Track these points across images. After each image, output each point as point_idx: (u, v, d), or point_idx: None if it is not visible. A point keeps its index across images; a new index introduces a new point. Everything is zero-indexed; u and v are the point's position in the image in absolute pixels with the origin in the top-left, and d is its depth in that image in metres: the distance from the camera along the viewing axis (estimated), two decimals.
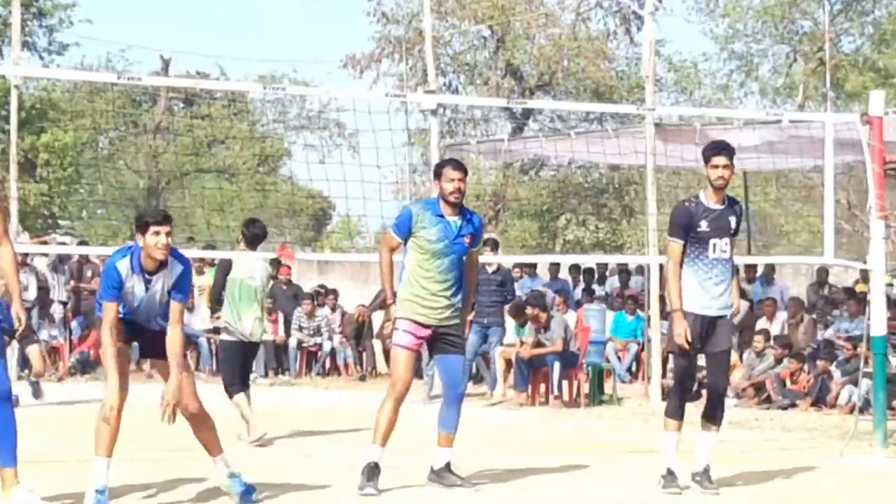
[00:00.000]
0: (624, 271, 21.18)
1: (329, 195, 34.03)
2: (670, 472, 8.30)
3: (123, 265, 7.48)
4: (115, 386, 7.34)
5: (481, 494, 8.10)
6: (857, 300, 16.50)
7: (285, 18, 74.13)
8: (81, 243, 21.93)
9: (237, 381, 10.97)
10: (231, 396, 10.91)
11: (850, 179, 21.96)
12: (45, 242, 20.43)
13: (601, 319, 18.37)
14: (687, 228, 8.24)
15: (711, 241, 8.23)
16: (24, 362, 18.15)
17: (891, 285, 15.32)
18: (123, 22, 73.16)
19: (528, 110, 30.78)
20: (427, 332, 8.20)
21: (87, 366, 18.61)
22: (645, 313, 17.54)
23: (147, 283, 7.47)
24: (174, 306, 7.47)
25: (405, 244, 8.28)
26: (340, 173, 11.95)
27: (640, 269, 20.18)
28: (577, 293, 20.41)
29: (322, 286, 21.15)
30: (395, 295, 8.32)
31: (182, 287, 7.51)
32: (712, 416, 8.40)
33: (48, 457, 9.35)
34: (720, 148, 8.40)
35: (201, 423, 7.67)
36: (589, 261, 23.30)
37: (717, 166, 8.27)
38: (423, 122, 24.19)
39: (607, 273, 21.61)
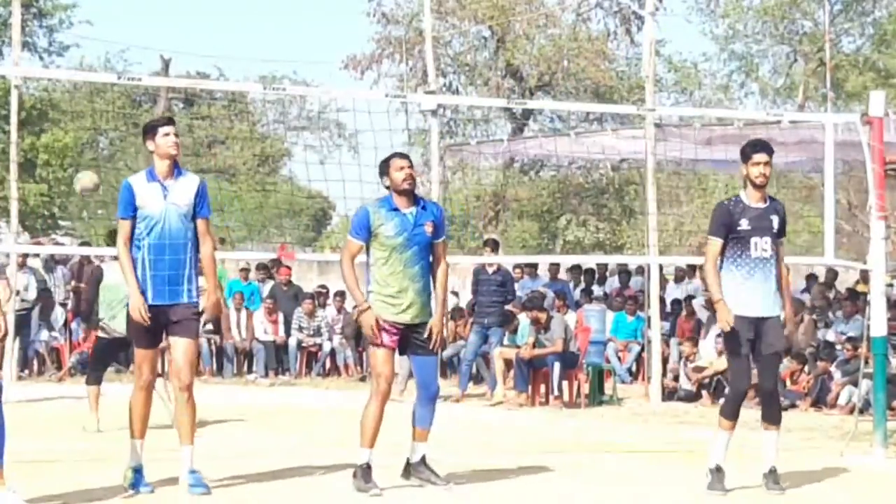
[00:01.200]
0: (624, 272, 21.18)
1: (329, 195, 34.05)
2: (718, 469, 8.28)
3: (136, 178, 7.84)
4: (136, 288, 7.65)
5: (464, 492, 8.07)
6: (853, 302, 16.52)
7: (286, 19, 74.15)
8: (83, 244, 21.94)
9: (100, 374, 11.88)
10: (88, 384, 11.80)
11: (850, 179, 21.94)
12: (38, 243, 20.42)
13: (601, 320, 18.36)
14: (728, 227, 8.21)
15: (753, 240, 8.20)
16: (24, 362, 18.20)
17: (891, 286, 15.32)
18: (123, 22, 73.18)
19: (529, 111, 30.77)
20: (398, 332, 8.12)
21: (87, 366, 18.59)
22: (645, 314, 17.53)
23: (164, 189, 7.74)
24: (200, 223, 7.84)
25: (367, 247, 8.16)
26: (340, 174, 11.97)
27: (641, 270, 20.18)
28: (577, 293, 20.41)
29: (324, 286, 21.12)
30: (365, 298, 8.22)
31: (203, 202, 7.86)
32: (769, 415, 8.41)
33: (48, 457, 9.35)
34: (761, 145, 8.34)
35: (186, 403, 7.77)
36: (589, 261, 23.29)
37: (758, 163, 8.23)
38: (423, 122, 24.22)
39: (607, 273, 21.61)
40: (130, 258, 7.72)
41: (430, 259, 8.25)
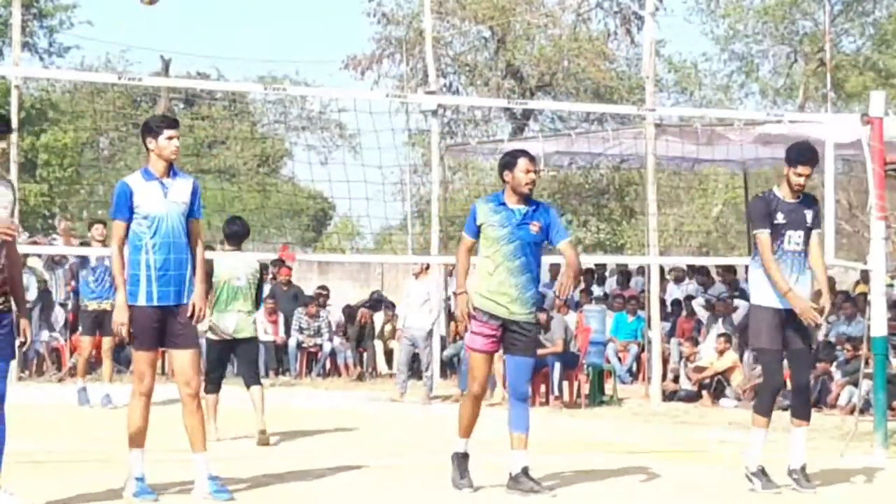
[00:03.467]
0: (623, 272, 21.16)
1: (331, 196, 34.01)
2: (763, 472, 8.35)
3: (133, 178, 7.71)
4: (125, 297, 7.53)
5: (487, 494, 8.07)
6: (852, 302, 16.51)
7: (286, 19, 74.16)
8: (83, 244, 21.94)
9: (218, 381, 11.01)
10: (207, 392, 10.80)
11: (850, 180, 21.93)
12: (35, 243, 20.41)
13: (601, 320, 18.35)
14: (770, 217, 8.29)
15: (787, 234, 8.30)
16: (25, 362, 18.20)
17: (891, 286, 15.30)
18: (123, 23, 73.21)
19: (529, 111, 30.77)
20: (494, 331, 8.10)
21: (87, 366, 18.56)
22: (645, 314, 17.52)
23: (164, 187, 7.64)
24: (193, 223, 7.75)
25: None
26: (342, 174, 11.98)
27: (641, 270, 20.17)
28: (578, 294, 20.38)
29: (324, 287, 21.12)
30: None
31: (198, 202, 7.79)
32: (800, 411, 8.54)
33: (49, 457, 9.35)
34: (808, 157, 8.39)
35: (193, 409, 7.71)
36: (589, 261, 23.27)
37: (801, 175, 8.33)
38: (424, 122, 24.21)
39: (607, 274, 21.60)
40: (123, 263, 7.58)
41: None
